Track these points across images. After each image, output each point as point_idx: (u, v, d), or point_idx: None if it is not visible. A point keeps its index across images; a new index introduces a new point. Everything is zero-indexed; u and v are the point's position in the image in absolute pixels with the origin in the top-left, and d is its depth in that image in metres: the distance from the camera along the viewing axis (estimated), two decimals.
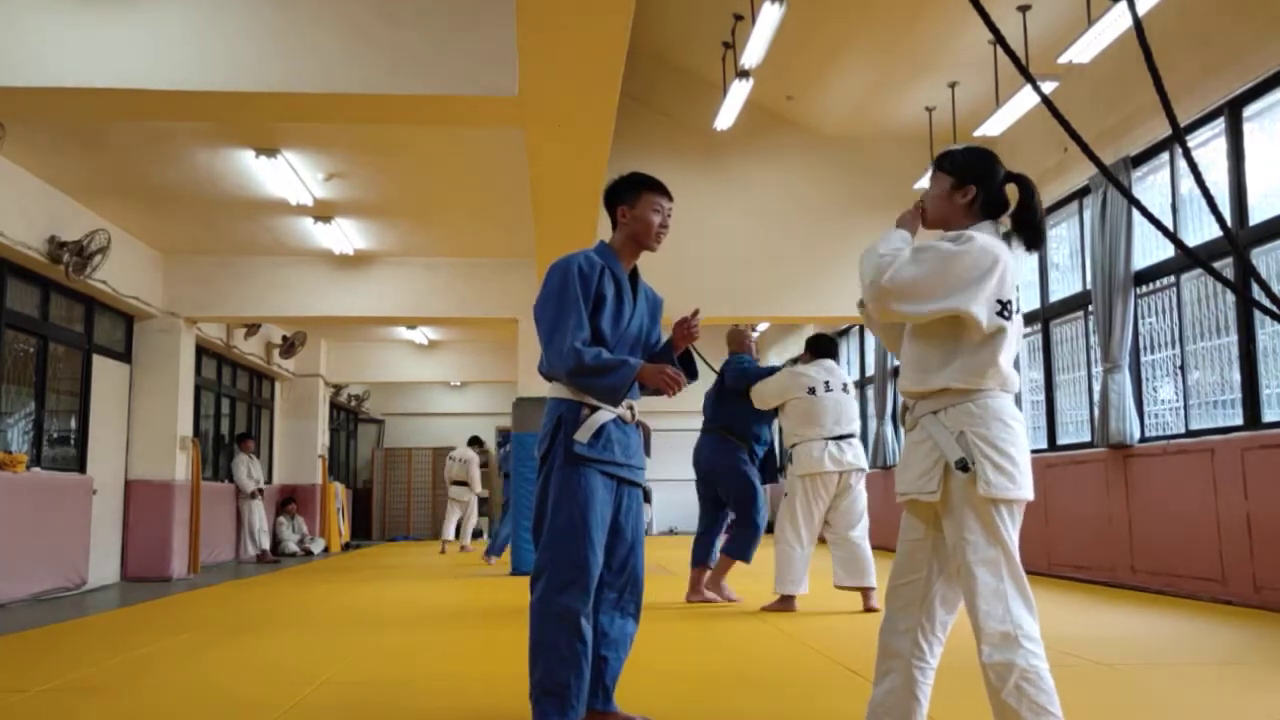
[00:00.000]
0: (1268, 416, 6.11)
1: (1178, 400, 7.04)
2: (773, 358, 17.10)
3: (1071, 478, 8.09)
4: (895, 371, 2.64)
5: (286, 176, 7.77)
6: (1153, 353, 7.39)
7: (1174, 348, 7.07)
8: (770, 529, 6.86)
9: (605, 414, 2.94)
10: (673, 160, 9.94)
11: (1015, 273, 2.37)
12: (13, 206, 7.41)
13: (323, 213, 8.92)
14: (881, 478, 10.96)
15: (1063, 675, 3.87)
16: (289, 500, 14.26)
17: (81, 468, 9.05)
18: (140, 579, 9.64)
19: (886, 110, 9.74)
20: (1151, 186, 7.39)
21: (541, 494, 2.96)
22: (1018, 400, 9.46)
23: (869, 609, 5.92)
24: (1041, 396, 9.07)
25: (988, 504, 2.25)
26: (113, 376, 9.72)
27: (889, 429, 12.31)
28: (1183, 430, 6.91)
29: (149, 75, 5.13)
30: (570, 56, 4.86)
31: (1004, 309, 2.32)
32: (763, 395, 6.38)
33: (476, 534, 15.47)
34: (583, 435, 2.90)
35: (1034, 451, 8.98)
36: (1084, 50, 6.59)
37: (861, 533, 6.06)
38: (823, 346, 6.48)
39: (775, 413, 6.50)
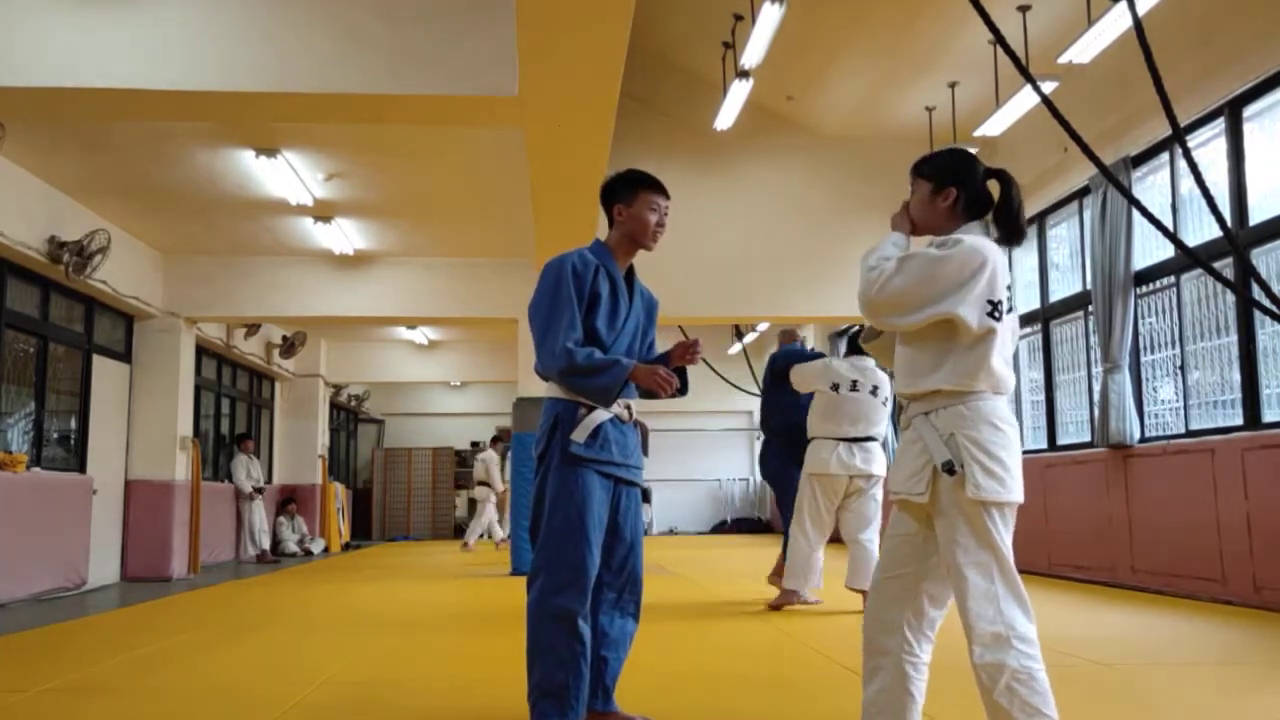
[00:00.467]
0: (1268, 416, 6.11)
1: (1178, 400, 7.04)
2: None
3: (1071, 478, 8.09)
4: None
5: (286, 176, 7.77)
6: (1153, 353, 7.39)
7: (1174, 348, 7.07)
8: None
9: (603, 413, 2.93)
10: (673, 160, 9.94)
11: (1006, 272, 2.35)
12: (13, 206, 7.41)
13: (323, 213, 8.92)
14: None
15: (1063, 675, 3.88)
16: (289, 500, 14.26)
17: (81, 468, 9.05)
18: (140, 579, 9.64)
19: (886, 110, 9.74)
20: (1151, 186, 7.39)
21: (538, 494, 2.95)
22: (1018, 400, 9.49)
23: None
24: (1041, 396, 9.07)
25: (977, 506, 2.24)
26: (113, 376, 9.72)
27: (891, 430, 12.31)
28: (1183, 430, 6.91)
29: (149, 75, 5.13)
30: (570, 56, 4.86)
31: (994, 309, 2.29)
32: (802, 376, 6.26)
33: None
34: (580, 435, 2.89)
35: (1034, 451, 9.01)
36: (1084, 50, 6.59)
37: (871, 535, 5.98)
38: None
39: None
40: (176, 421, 10.08)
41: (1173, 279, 7.05)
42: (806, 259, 10.09)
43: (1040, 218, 9.01)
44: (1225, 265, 6.34)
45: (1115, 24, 6.22)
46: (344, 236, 9.53)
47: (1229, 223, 5.80)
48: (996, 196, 2.48)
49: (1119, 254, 7.28)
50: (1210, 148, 6.68)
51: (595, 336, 2.95)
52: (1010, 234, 2.45)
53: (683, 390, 3.00)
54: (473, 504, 19.58)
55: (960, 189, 2.44)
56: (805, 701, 3.59)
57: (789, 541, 6.18)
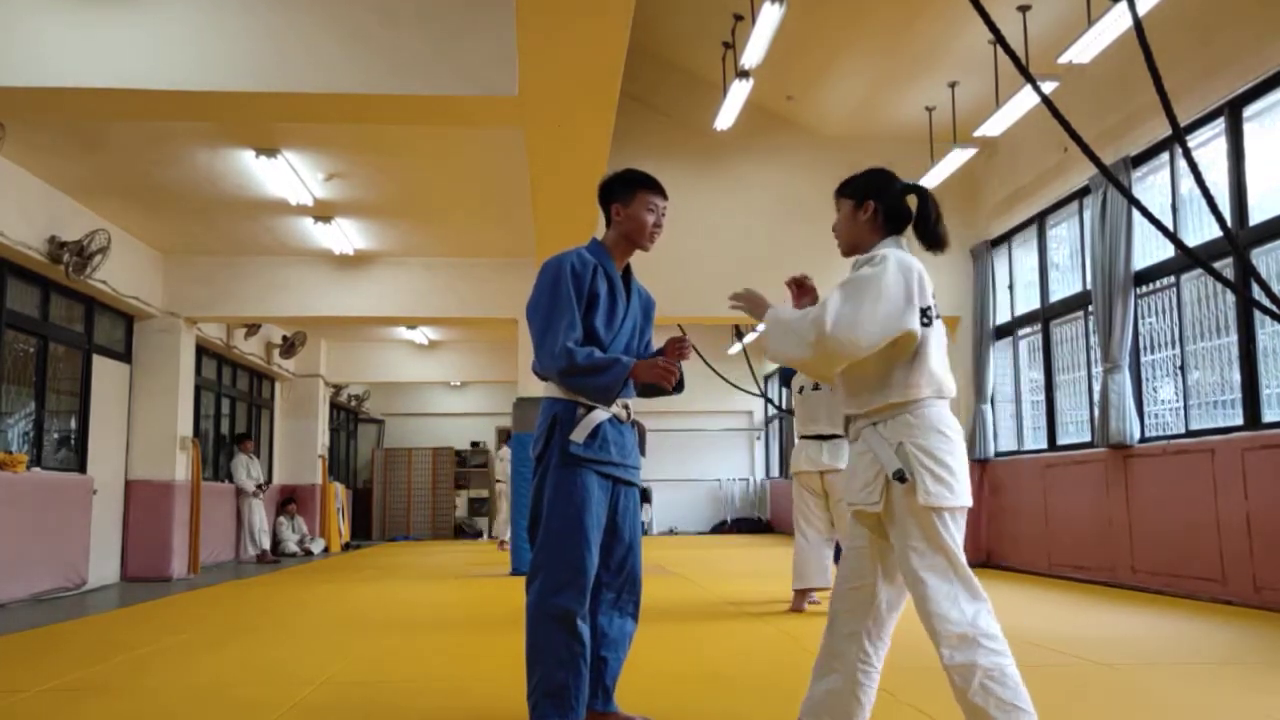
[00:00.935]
0: (1268, 416, 6.11)
1: (1178, 400, 7.04)
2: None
3: (1071, 478, 8.09)
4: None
5: (286, 176, 7.77)
6: (1153, 353, 7.39)
7: (1174, 348, 7.07)
8: None
9: (601, 413, 2.93)
10: (673, 160, 9.94)
11: (929, 279, 2.45)
12: (13, 206, 7.41)
13: (323, 213, 8.93)
14: None
15: (1063, 675, 3.88)
16: (289, 500, 14.26)
17: (81, 468, 9.05)
18: (140, 579, 9.64)
19: (886, 110, 9.74)
20: (1151, 186, 7.39)
21: (537, 494, 2.95)
22: (1018, 400, 9.49)
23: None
24: (1041, 396, 9.07)
25: (929, 512, 2.31)
26: (113, 376, 9.72)
27: None
28: (1183, 430, 6.91)
29: (149, 75, 5.13)
30: (570, 56, 4.86)
31: (925, 315, 2.39)
32: (796, 381, 6.49)
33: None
34: (578, 435, 2.89)
35: (1034, 451, 9.03)
36: (1084, 50, 6.59)
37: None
38: None
39: None
40: (176, 421, 10.08)
41: (1173, 279, 7.05)
42: (806, 259, 10.01)
43: (1040, 218, 9.01)
44: (1225, 265, 6.34)
45: (1115, 24, 6.22)
46: (344, 236, 9.53)
47: (1229, 223, 5.80)
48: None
49: (1119, 254, 7.28)
50: (1210, 148, 6.68)
51: (593, 336, 2.95)
52: (931, 243, 2.56)
53: (679, 388, 3.00)
54: (473, 504, 19.66)
55: (878, 202, 2.57)
56: None
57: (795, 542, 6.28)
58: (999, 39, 2.48)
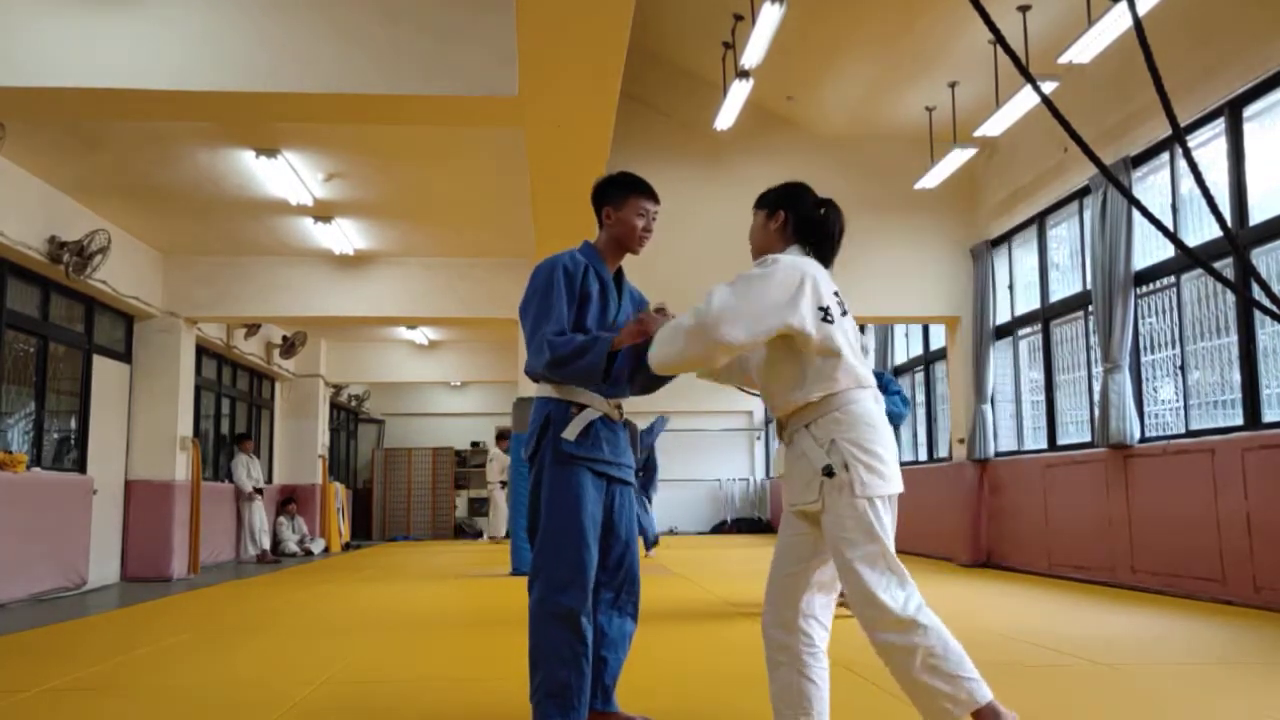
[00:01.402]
0: (1268, 416, 6.11)
1: (1178, 400, 7.04)
2: None
3: (1072, 478, 8.09)
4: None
5: (286, 176, 7.78)
6: (1153, 353, 7.39)
7: (1174, 348, 7.07)
8: None
9: (593, 412, 2.94)
10: (673, 160, 9.94)
11: (829, 281, 2.58)
12: (13, 206, 7.41)
13: (323, 213, 8.93)
14: None
15: (1063, 675, 3.88)
16: (289, 500, 14.26)
17: (81, 468, 9.05)
18: (140, 579, 9.64)
19: (886, 110, 9.74)
20: (1151, 186, 7.39)
21: (533, 495, 2.96)
22: (1018, 400, 9.49)
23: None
24: (1041, 396, 9.07)
25: (862, 502, 2.41)
26: (113, 376, 9.72)
27: None
28: (1183, 430, 6.91)
29: (149, 75, 5.13)
30: (570, 56, 4.86)
31: (825, 314, 2.50)
32: None
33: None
34: (571, 433, 2.90)
35: (1034, 451, 9.04)
36: (1084, 50, 6.59)
37: None
38: None
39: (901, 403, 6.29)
40: (176, 421, 10.08)
41: (1173, 279, 7.05)
42: None
43: (1040, 218, 9.01)
44: (1225, 265, 6.34)
45: (1115, 24, 6.22)
46: (344, 236, 9.53)
47: (1229, 223, 5.80)
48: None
49: (1119, 254, 7.28)
50: (1210, 148, 6.68)
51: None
52: (821, 255, 2.68)
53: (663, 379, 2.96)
54: (473, 504, 19.66)
55: (789, 211, 2.70)
56: None
57: None
58: (999, 39, 2.47)
